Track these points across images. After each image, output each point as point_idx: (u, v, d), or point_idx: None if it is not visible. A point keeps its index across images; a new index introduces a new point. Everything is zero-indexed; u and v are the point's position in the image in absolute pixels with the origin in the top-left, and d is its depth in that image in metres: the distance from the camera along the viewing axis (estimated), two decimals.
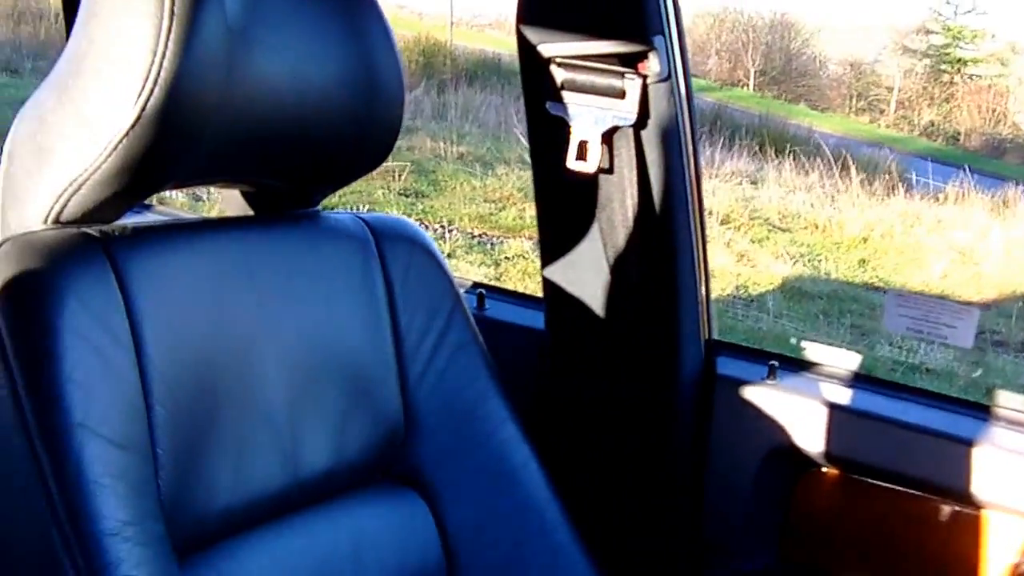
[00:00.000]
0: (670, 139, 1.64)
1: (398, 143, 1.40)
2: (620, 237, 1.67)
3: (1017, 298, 6.44)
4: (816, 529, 1.81)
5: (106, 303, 1.09)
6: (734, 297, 6.12)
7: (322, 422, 1.32)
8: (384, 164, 1.42)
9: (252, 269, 1.27)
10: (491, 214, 7.04)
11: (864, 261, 7.02)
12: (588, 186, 1.66)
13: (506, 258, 6.28)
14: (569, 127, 1.66)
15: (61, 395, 1.03)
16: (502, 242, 6.56)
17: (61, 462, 1.02)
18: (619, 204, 1.64)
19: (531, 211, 6.83)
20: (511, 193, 7.34)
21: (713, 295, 1.81)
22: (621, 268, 1.69)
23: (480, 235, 6.67)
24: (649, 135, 1.64)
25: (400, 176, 7.35)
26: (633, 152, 1.64)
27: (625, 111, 1.61)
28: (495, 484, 1.48)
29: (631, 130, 1.64)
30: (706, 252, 1.73)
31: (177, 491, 1.13)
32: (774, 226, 7.36)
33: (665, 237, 1.67)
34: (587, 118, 1.64)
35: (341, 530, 1.35)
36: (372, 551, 1.37)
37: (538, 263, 1.84)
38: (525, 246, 6.43)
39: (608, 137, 1.64)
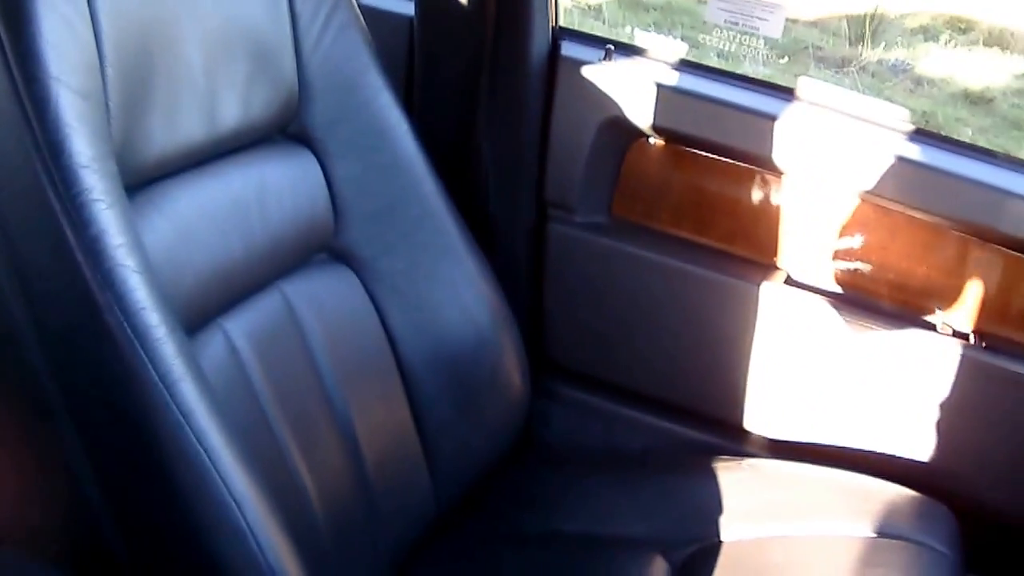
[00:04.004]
0: None
1: None
2: None
3: (842, 17, 6.71)
4: (643, 190, 2.06)
5: None
6: (572, 7, 6.27)
7: (232, 86, 1.52)
8: None
9: None
10: None
11: None
12: None
13: None
14: None
15: (39, 52, 1.21)
16: None
17: (42, 107, 1.21)
18: None
19: None
20: None
21: None
22: None
23: None
24: None
25: None
26: None
27: None
28: (373, 143, 1.70)
29: None
30: None
31: (124, 138, 1.34)
32: None
33: None
34: None
35: (249, 178, 1.58)
36: (273, 198, 1.60)
37: None
38: None
39: None
